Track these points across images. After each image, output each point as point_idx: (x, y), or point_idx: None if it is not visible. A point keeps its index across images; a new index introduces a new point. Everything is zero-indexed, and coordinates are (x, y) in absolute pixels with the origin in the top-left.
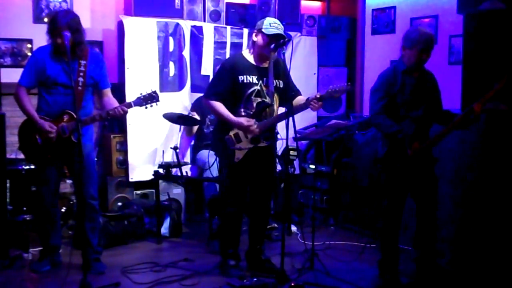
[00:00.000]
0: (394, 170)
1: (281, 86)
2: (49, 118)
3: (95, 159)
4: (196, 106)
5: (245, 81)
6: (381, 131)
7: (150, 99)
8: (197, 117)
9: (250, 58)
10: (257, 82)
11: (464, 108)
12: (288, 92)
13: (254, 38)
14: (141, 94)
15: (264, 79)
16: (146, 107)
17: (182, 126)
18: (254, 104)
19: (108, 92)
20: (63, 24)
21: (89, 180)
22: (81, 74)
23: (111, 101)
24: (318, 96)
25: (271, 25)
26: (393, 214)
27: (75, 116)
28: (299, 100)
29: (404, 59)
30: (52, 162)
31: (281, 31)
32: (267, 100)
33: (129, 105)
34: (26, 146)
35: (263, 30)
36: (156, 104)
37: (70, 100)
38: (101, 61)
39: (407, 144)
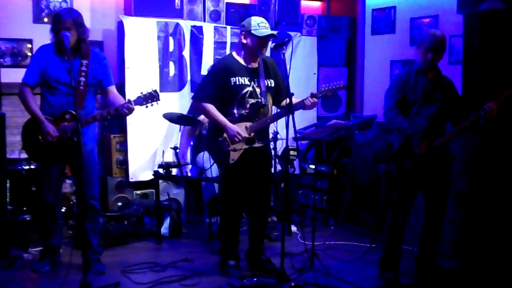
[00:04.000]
0: (404, 167)
1: (272, 85)
2: (51, 118)
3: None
4: (193, 108)
5: (237, 83)
6: (392, 126)
7: (150, 98)
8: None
9: (240, 59)
10: (249, 83)
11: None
12: (280, 91)
13: (244, 41)
14: (141, 93)
15: (256, 79)
16: (146, 106)
17: (182, 127)
18: (248, 105)
19: (112, 89)
20: (67, 18)
21: (90, 180)
22: (83, 74)
23: (117, 98)
24: (311, 94)
25: (260, 25)
26: (401, 210)
27: (76, 115)
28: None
29: (417, 59)
30: (54, 162)
31: (270, 30)
32: (261, 100)
33: (130, 104)
34: (29, 145)
35: (252, 31)
36: (157, 103)
37: (72, 100)
38: (103, 59)
39: (415, 141)
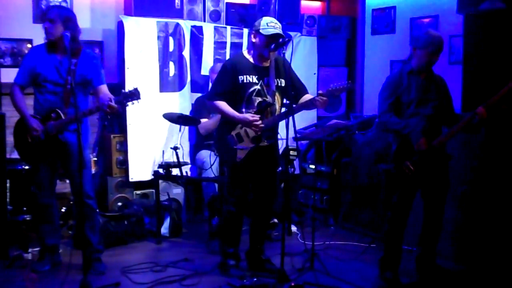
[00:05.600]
0: (403, 167)
1: (283, 84)
2: (39, 117)
3: (94, 158)
4: (195, 108)
5: (245, 81)
6: (388, 129)
7: (130, 96)
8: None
9: (250, 58)
10: (257, 81)
11: (465, 108)
12: (289, 90)
13: (253, 39)
14: (122, 91)
15: (265, 78)
16: (127, 105)
17: (183, 127)
18: (255, 104)
19: (103, 88)
20: (54, 11)
21: (83, 179)
22: (71, 72)
23: (108, 96)
24: (319, 93)
25: (268, 24)
26: (401, 211)
27: (62, 115)
28: (304, 99)
29: (413, 60)
30: (43, 161)
31: (279, 30)
32: (268, 99)
33: (109, 101)
34: (19, 145)
35: (260, 31)
36: (138, 102)
37: (59, 99)
38: (93, 58)
39: (413, 140)
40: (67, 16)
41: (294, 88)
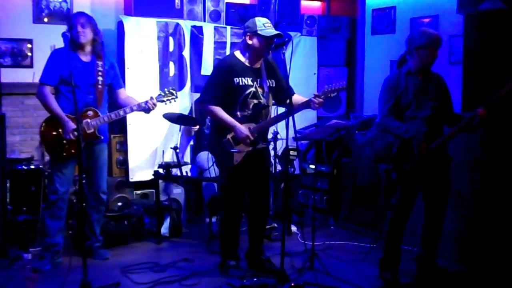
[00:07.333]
0: (404, 169)
1: (274, 85)
2: (73, 116)
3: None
4: (198, 109)
5: (240, 83)
6: (390, 133)
7: (170, 95)
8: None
9: (243, 59)
10: (252, 83)
11: (465, 108)
12: (283, 92)
13: (249, 41)
14: (161, 91)
15: (258, 80)
16: (165, 103)
17: (182, 126)
18: (250, 106)
19: (123, 91)
20: (82, 15)
21: (103, 175)
22: (100, 73)
23: (130, 99)
24: (315, 94)
25: (265, 25)
26: (401, 212)
27: (100, 113)
28: (296, 99)
29: (412, 61)
30: (73, 158)
31: (275, 30)
32: (263, 101)
33: (153, 100)
34: (51, 143)
35: (259, 32)
36: (174, 101)
37: (91, 98)
38: (114, 62)
39: (414, 145)
40: (94, 23)
41: (282, 89)
